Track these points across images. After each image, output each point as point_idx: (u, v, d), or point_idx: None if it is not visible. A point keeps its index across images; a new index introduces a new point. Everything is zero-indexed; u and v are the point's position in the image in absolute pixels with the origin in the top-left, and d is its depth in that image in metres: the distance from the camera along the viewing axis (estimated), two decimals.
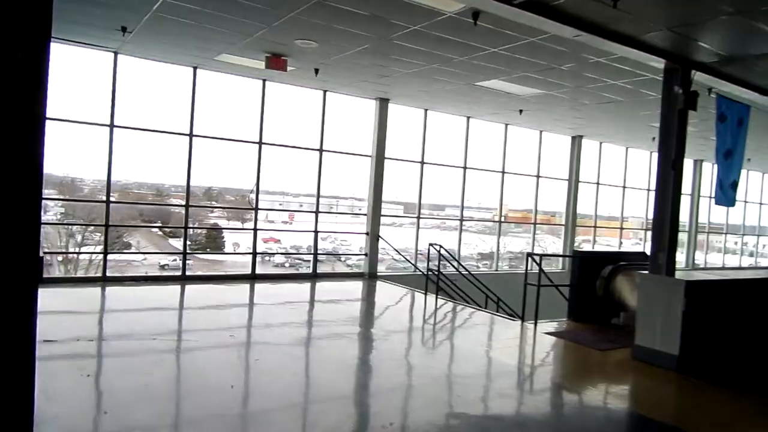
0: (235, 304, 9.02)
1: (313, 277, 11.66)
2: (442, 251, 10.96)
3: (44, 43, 1.88)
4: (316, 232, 11.94)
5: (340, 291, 10.86)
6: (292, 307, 9.24)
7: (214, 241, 16.80)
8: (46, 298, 8.15)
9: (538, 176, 15.51)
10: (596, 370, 6.64)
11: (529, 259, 8.97)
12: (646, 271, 7.61)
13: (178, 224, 16.07)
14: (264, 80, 10.90)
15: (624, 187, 17.83)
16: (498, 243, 15.01)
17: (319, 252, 12.01)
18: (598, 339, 7.91)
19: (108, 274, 9.90)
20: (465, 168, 13.98)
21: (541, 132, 15.35)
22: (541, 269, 8.58)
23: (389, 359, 6.48)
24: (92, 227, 14.88)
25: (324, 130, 11.74)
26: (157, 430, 4.09)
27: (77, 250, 15.28)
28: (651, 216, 18.79)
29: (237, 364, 5.73)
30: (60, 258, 16.05)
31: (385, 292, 11.07)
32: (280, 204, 15.79)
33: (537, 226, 16.48)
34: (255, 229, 11.34)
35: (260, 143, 11.05)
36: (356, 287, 11.30)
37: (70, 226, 15.09)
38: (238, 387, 4.96)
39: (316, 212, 11.98)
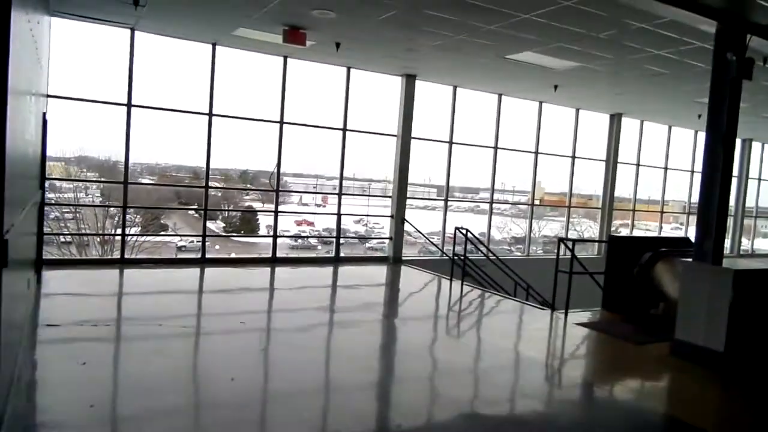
0: (249, 288, 8.76)
1: (336, 261, 11.32)
2: (469, 236, 10.43)
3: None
4: (339, 215, 11.56)
5: (360, 276, 10.49)
6: (308, 292, 8.91)
7: (248, 223, 16.68)
8: (57, 280, 8.19)
9: (573, 157, 14.76)
10: (630, 366, 6.08)
11: (561, 244, 8.40)
12: (690, 259, 7.00)
13: (212, 207, 16.06)
14: (285, 57, 10.50)
15: (666, 168, 16.88)
16: (530, 227, 14.39)
17: (342, 236, 11.64)
18: (634, 331, 7.33)
19: (129, 255, 9.77)
20: (496, 148, 13.36)
21: (577, 110, 14.55)
22: (573, 255, 8.01)
23: (404, 351, 6.10)
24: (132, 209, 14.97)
25: (348, 109, 11.29)
26: (142, 425, 3.79)
27: (114, 231, 15.22)
28: (694, 199, 17.97)
29: (242, 353, 5.41)
30: (98, 239, 16.21)
31: (408, 277, 10.66)
32: (314, 187, 15.51)
33: (573, 209, 15.78)
34: (276, 212, 11.03)
35: (281, 122, 10.69)
36: (379, 272, 10.91)
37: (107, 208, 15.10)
38: (240, 379, 4.64)
39: (339, 194, 11.59)
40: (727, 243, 18.83)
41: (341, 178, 11.51)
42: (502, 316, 8.28)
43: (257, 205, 16.54)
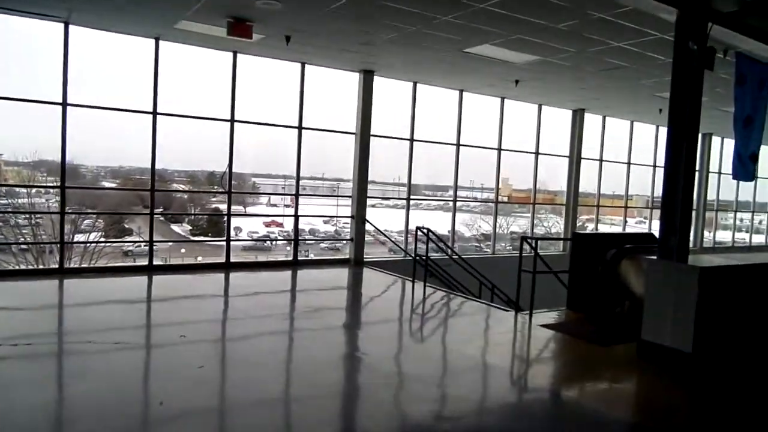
0: (197, 296, 8.18)
1: (294, 264, 10.84)
2: (432, 235, 10.09)
3: None
4: (296, 216, 11.09)
5: (317, 279, 10.05)
6: (260, 299, 8.39)
7: (215, 225, 16.20)
8: None
9: (537, 153, 14.58)
10: (597, 371, 5.80)
11: (524, 243, 8.12)
12: (654, 257, 6.78)
13: (179, 210, 15.50)
14: (235, 52, 9.98)
15: (629, 163, 16.88)
16: (495, 225, 14.15)
17: (300, 238, 11.18)
18: (600, 332, 7.09)
19: (88, 263, 9.13)
20: (458, 145, 13.06)
21: (540, 106, 14.37)
22: (536, 254, 7.73)
23: (349, 357, 5.68)
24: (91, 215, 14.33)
25: (303, 107, 10.82)
26: None
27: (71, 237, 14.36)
28: (657, 194, 18.05)
29: (178, 371, 4.91)
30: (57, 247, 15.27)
31: (369, 280, 10.26)
32: (283, 188, 15.00)
33: (541, 206, 15.66)
34: (228, 215, 10.49)
35: (232, 120, 10.15)
36: (338, 275, 10.49)
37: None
38: (170, 403, 4.16)
39: (296, 195, 11.12)
40: (690, 237, 19.01)
41: (297, 177, 11.03)
42: (465, 318, 7.94)
43: (224, 207, 16.00)
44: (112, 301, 7.67)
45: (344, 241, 11.61)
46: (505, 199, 16.36)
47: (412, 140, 12.28)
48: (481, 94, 13.22)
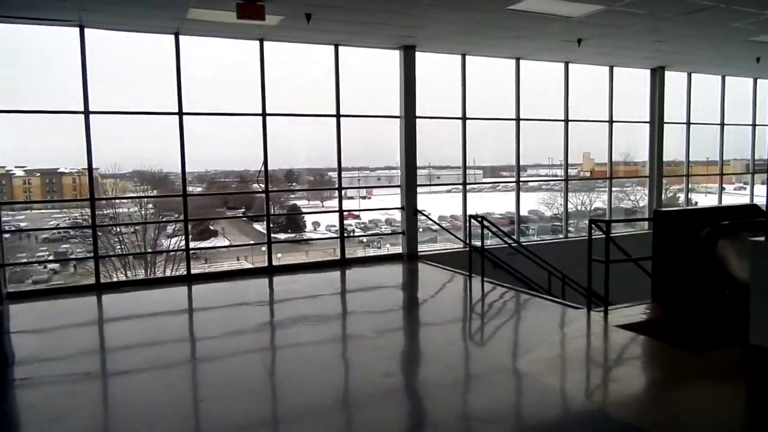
0: (230, 305, 7.54)
1: (342, 264, 10.03)
2: (488, 224, 8.96)
3: None
4: (340, 211, 10.28)
5: (365, 280, 9.20)
6: (291, 306, 7.65)
7: (294, 221, 15.99)
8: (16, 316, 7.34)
9: (611, 121, 12.93)
10: (691, 389, 4.52)
11: (594, 227, 6.83)
12: (763, 235, 5.38)
13: (259, 210, 15.37)
14: (261, 40, 9.26)
15: (722, 124, 14.77)
16: (566, 205, 12.69)
17: (347, 235, 10.37)
18: (693, 332, 5.77)
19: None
20: (518, 120, 11.74)
21: (611, 68, 12.72)
22: (608, 239, 6.44)
23: (365, 376, 4.74)
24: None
25: (339, 93, 9.95)
26: None
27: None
28: (760, 156, 15.74)
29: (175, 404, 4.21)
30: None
31: (422, 277, 9.30)
32: (358, 180, 14.46)
33: (620, 180, 14.05)
34: (267, 215, 9.83)
35: (264, 114, 9.46)
36: (390, 273, 9.57)
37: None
38: None
39: (339, 188, 10.31)
40: None
41: (339, 168, 10.22)
42: (521, 322, 6.78)
43: (303, 203, 15.82)
44: (139, 315, 7.19)
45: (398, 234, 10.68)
46: (589, 174, 14.82)
47: (464, 119, 11.12)
48: (541, 60, 11.81)
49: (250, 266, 11.19)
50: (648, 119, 13.44)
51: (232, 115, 9.61)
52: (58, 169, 13.33)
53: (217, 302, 7.89)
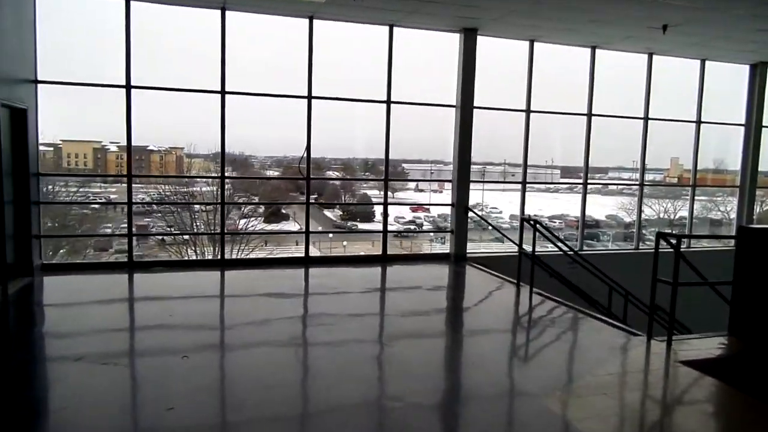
0: (255, 294, 7.12)
1: (383, 260, 9.41)
2: (543, 228, 8.05)
3: None
4: (385, 204, 9.66)
5: (400, 280, 8.55)
6: (303, 304, 7.10)
7: (364, 210, 15.92)
8: (49, 287, 7.36)
9: (699, 122, 11.52)
10: None
11: (662, 241, 5.81)
12: None
13: (332, 197, 15.49)
14: (311, 17, 8.74)
15: None
16: (639, 213, 11.44)
17: (389, 230, 9.71)
18: None
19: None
20: (590, 115, 10.63)
21: (703, 61, 11.30)
22: (678, 258, 5.44)
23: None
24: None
25: (391, 78, 9.28)
26: None
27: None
28: None
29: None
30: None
31: (467, 283, 8.54)
32: (431, 174, 13.98)
33: (710, 189, 12.66)
34: (307, 203, 9.32)
35: (309, 97, 8.96)
36: (428, 273, 8.83)
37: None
38: None
39: (386, 179, 9.67)
40: None
41: (387, 159, 9.55)
42: (566, 348, 5.82)
43: (373, 193, 15.44)
44: (151, 297, 6.89)
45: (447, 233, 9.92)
46: (676, 180, 13.45)
47: (528, 111, 10.16)
48: (621, 50, 10.62)
49: (287, 256, 10.76)
50: (744, 122, 11.88)
51: (275, 96, 9.13)
52: (147, 146, 13.66)
53: (237, 290, 7.52)
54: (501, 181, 12.85)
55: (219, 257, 9.05)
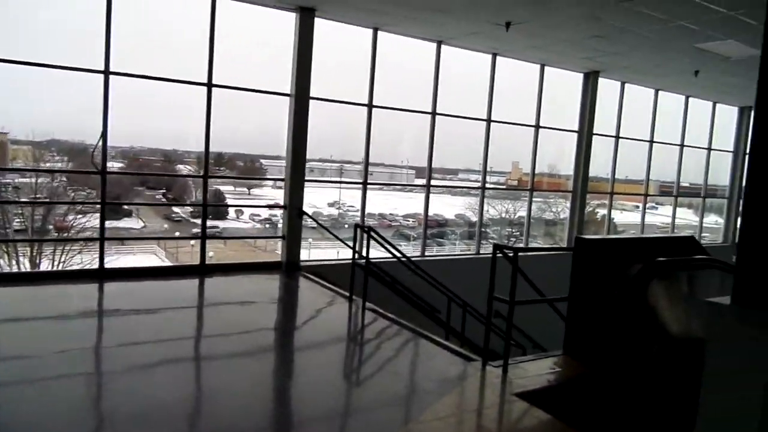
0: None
1: (201, 271, 8.02)
2: (380, 236, 7.26)
3: None
4: (204, 205, 8.27)
5: (214, 296, 7.29)
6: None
7: (217, 209, 14.75)
8: None
9: (537, 126, 11.60)
10: None
11: (500, 253, 5.21)
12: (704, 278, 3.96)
13: (180, 192, 13.53)
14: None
15: (652, 141, 13.85)
16: (480, 218, 11.21)
17: (208, 237, 8.38)
18: (616, 407, 4.27)
19: None
20: (433, 113, 10.13)
21: (542, 66, 11.37)
22: (516, 271, 4.86)
23: None
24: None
25: (213, 56, 7.93)
26: None
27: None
28: (687, 180, 14.99)
29: None
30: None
31: (293, 298, 7.54)
32: (312, 171, 12.64)
33: (542, 192, 12.89)
34: (103, 203, 7.63)
35: (107, 72, 7.30)
36: (251, 289, 7.58)
37: None
38: None
39: (205, 176, 8.30)
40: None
41: (206, 155, 8.20)
42: (392, 381, 5.00)
43: (228, 189, 14.29)
44: None
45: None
46: (516, 183, 13.72)
47: (371, 106, 9.38)
48: (466, 48, 10.24)
49: (78, 269, 8.95)
50: (577, 128, 12.22)
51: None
52: None
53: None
54: (335, 181, 12.04)
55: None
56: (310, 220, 8.98)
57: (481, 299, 6.52)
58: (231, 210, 15.10)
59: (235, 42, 8.54)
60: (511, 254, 4.92)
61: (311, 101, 8.53)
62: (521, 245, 12.00)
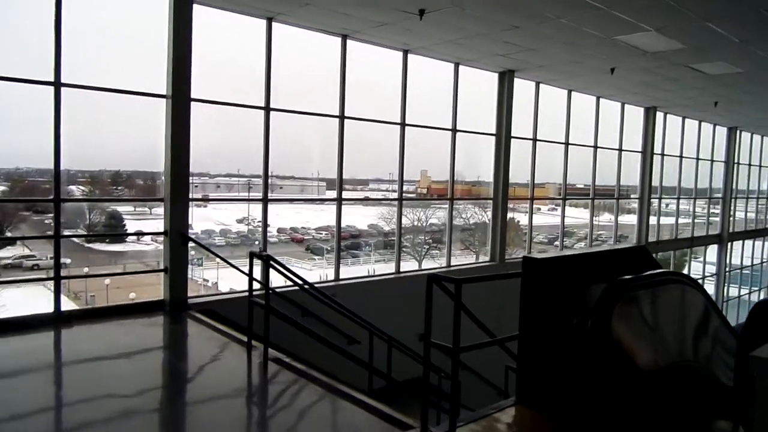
0: None
1: (55, 320, 6.27)
2: (283, 268, 5.91)
3: None
4: (57, 238, 6.50)
5: (66, 356, 5.62)
6: None
7: (115, 228, 13.55)
8: None
9: (454, 130, 10.71)
10: None
11: (438, 286, 4.06)
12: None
13: (71, 216, 11.31)
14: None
15: (567, 144, 13.45)
16: (399, 231, 10.11)
17: (64, 277, 6.65)
18: None
19: None
20: (342, 117, 8.94)
21: (456, 65, 10.51)
22: (460, 307, 3.72)
23: None
24: None
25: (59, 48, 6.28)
26: None
27: None
28: (603, 182, 14.76)
29: None
30: None
31: (174, 351, 5.99)
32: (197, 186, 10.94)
33: (456, 199, 12.01)
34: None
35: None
36: (118, 342, 5.92)
37: None
38: None
39: (56, 200, 6.56)
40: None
41: (57, 175, 6.48)
42: None
43: (127, 210, 12.89)
44: None
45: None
46: (425, 191, 12.99)
47: (268, 109, 8.03)
48: (375, 43, 9.14)
49: None
50: (494, 132, 11.49)
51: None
52: None
53: None
54: (226, 198, 10.62)
55: None
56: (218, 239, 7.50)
57: (413, 323, 5.39)
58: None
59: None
60: (452, 287, 3.76)
61: (203, 105, 7.10)
62: (443, 259, 11.06)
